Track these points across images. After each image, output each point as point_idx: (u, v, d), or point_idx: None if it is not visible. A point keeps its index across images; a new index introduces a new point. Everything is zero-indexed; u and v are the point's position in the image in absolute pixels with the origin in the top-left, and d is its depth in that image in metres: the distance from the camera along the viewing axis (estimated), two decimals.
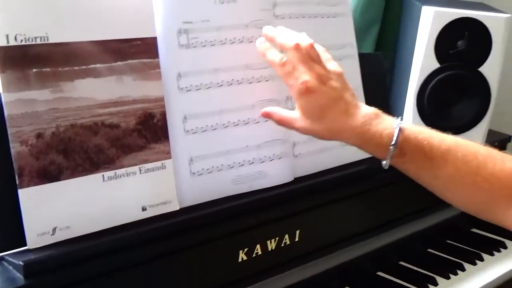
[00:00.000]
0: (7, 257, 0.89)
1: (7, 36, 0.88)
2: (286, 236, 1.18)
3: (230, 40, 1.12)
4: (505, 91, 1.65)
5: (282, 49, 1.07)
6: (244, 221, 1.11)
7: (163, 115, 1.03)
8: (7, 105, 0.88)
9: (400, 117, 1.04)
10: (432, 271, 1.40)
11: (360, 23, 1.68)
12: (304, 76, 1.02)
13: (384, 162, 1.03)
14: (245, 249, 1.12)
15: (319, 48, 1.08)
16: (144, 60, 1.01)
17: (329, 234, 1.28)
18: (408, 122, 1.04)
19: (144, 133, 1.01)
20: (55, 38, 0.92)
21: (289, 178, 1.19)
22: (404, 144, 1.01)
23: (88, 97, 0.95)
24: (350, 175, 1.27)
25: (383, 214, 1.41)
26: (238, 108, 1.13)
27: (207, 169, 1.09)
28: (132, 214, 1.00)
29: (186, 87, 1.07)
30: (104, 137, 0.97)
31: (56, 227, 0.92)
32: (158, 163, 1.03)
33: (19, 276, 0.86)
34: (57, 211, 0.92)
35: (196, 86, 1.09)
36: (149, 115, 1.02)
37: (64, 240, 0.93)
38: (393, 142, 1.01)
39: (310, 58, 1.04)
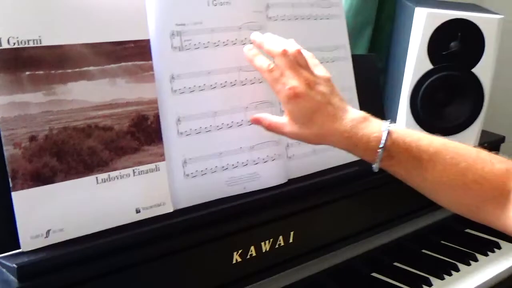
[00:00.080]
0: (0, 260, 0.89)
1: None
2: (280, 237, 1.18)
3: (223, 42, 1.12)
4: (498, 91, 1.65)
5: (270, 55, 1.08)
6: (238, 222, 1.11)
7: (157, 117, 1.03)
8: (0, 108, 0.88)
9: (389, 120, 1.05)
10: (426, 271, 1.41)
11: (353, 24, 1.69)
12: (292, 81, 1.03)
13: (374, 165, 1.04)
14: (239, 251, 1.12)
15: (307, 54, 1.09)
16: (138, 63, 1.01)
17: (323, 235, 1.28)
18: (397, 125, 1.04)
19: (138, 135, 1.01)
20: (48, 41, 0.92)
21: (283, 180, 1.20)
22: (392, 147, 1.02)
23: (81, 99, 0.95)
24: (344, 177, 1.28)
25: (377, 215, 1.41)
26: (231, 110, 1.13)
27: (201, 171, 1.10)
28: (126, 216, 1.00)
29: (179, 89, 1.08)
30: (98, 140, 0.97)
31: (50, 229, 0.92)
32: (152, 165, 1.03)
33: (12, 279, 0.86)
34: (50, 213, 0.92)
35: (190, 88, 1.09)
36: (143, 117, 1.02)
37: (58, 243, 0.93)
38: (381, 145, 1.01)
39: (298, 64, 1.05)
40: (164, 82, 1.06)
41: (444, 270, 1.42)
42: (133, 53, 1.01)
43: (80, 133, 0.95)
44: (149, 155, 1.02)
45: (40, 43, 0.91)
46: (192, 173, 1.09)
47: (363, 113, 1.06)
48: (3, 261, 0.88)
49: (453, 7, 1.55)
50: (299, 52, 1.06)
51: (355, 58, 1.38)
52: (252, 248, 1.14)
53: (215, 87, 1.11)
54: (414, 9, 1.48)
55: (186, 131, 1.08)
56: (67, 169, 0.94)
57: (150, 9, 1.04)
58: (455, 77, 1.50)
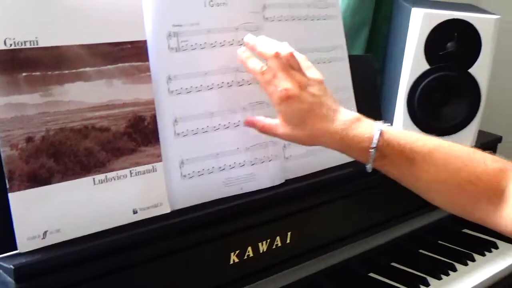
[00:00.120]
0: None
1: None
2: (278, 238, 1.18)
3: (220, 43, 1.12)
4: (495, 92, 1.66)
5: (263, 58, 1.09)
6: (235, 223, 1.11)
7: (154, 118, 1.03)
8: None
9: (382, 121, 1.05)
10: (423, 272, 1.41)
11: (350, 25, 1.69)
12: (284, 83, 1.05)
13: (367, 166, 1.04)
14: (237, 251, 1.12)
15: (299, 56, 1.10)
16: (134, 64, 1.01)
17: (320, 235, 1.29)
18: (390, 125, 1.05)
19: (135, 136, 1.01)
20: (44, 42, 0.92)
21: (280, 180, 1.20)
22: (385, 147, 1.02)
23: (78, 100, 0.95)
24: (341, 177, 1.28)
25: (375, 216, 1.41)
26: (228, 110, 1.13)
27: (198, 171, 1.10)
28: (123, 217, 1.00)
29: (176, 90, 1.08)
30: (95, 141, 0.97)
31: (47, 230, 0.92)
32: (149, 166, 1.03)
33: (9, 280, 0.86)
34: (47, 214, 0.92)
35: (187, 89, 1.09)
36: (140, 118, 1.02)
37: (55, 244, 0.93)
38: (373, 145, 1.02)
39: (290, 66, 1.07)
40: (161, 83, 1.06)
41: (442, 270, 1.42)
42: (130, 54, 1.01)
43: (77, 134, 0.95)
44: (146, 156, 1.02)
45: (37, 44, 0.91)
46: (189, 174, 1.09)
47: (355, 114, 1.07)
48: (0, 263, 0.88)
49: (449, 7, 1.55)
50: (291, 55, 1.07)
51: (352, 59, 1.38)
52: (250, 248, 1.14)
53: (212, 88, 1.11)
54: (410, 9, 1.49)
55: (183, 132, 1.08)
56: (64, 170, 0.94)
57: (146, 10, 1.04)
58: (452, 77, 1.50)
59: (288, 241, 1.20)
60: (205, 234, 1.07)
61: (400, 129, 1.06)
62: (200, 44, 1.10)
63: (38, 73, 0.91)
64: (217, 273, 1.11)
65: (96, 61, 0.97)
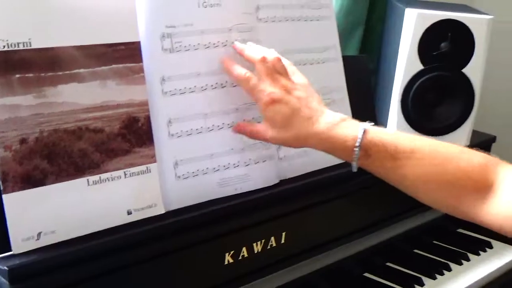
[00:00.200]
0: None
1: None
2: (272, 238, 1.19)
3: (214, 44, 1.12)
4: (488, 91, 1.66)
5: (250, 62, 1.11)
6: (229, 223, 1.11)
7: (148, 119, 1.03)
8: None
9: (367, 121, 1.07)
10: (418, 271, 1.42)
11: (344, 25, 1.69)
12: (269, 88, 1.07)
13: (352, 164, 1.06)
14: (231, 252, 1.12)
15: (285, 62, 1.12)
16: (128, 65, 1.01)
17: (315, 236, 1.29)
18: (374, 125, 1.06)
19: (129, 137, 1.01)
20: (38, 43, 0.92)
21: (274, 181, 1.20)
22: (369, 146, 1.04)
23: (72, 102, 0.95)
24: (335, 177, 1.28)
25: (369, 216, 1.42)
26: (222, 111, 1.14)
27: (192, 172, 1.10)
28: (117, 218, 1.00)
29: (170, 91, 1.08)
30: (89, 142, 0.97)
31: (41, 232, 0.92)
32: (143, 167, 1.03)
33: (4, 281, 0.86)
34: (42, 216, 0.92)
35: (180, 90, 1.09)
36: (134, 119, 1.02)
37: (49, 245, 0.93)
38: (357, 144, 1.03)
39: (276, 71, 1.09)
40: (155, 84, 1.06)
41: (436, 269, 1.43)
42: (124, 55, 1.01)
43: (70, 135, 0.95)
44: (140, 157, 1.03)
45: (30, 46, 0.91)
46: (183, 175, 1.09)
47: (341, 115, 1.08)
48: None
49: (443, 7, 1.56)
50: (278, 60, 1.10)
51: (346, 59, 1.39)
52: (244, 249, 1.14)
53: (205, 89, 1.12)
54: (404, 10, 1.49)
55: (177, 133, 1.08)
56: (58, 171, 0.94)
57: (140, 11, 1.04)
58: (445, 77, 1.50)
59: (282, 241, 1.20)
60: (199, 234, 1.07)
61: (388, 129, 1.07)
62: (194, 45, 1.10)
63: (31, 75, 0.91)
64: (211, 274, 1.11)
65: (90, 62, 0.97)
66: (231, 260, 1.12)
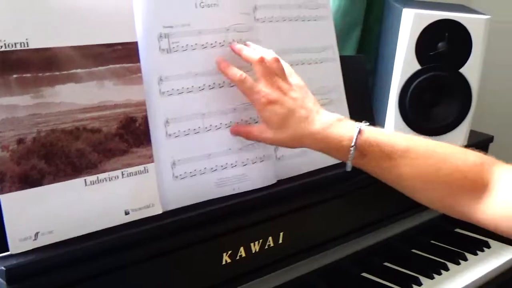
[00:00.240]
0: None
1: None
2: (270, 238, 1.19)
3: (211, 44, 1.12)
4: (486, 91, 1.66)
5: (248, 62, 1.11)
6: (227, 223, 1.11)
7: (145, 119, 1.03)
8: None
9: (364, 121, 1.07)
10: (416, 271, 1.42)
11: (341, 26, 1.69)
12: (266, 89, 1.08)
13: (347, 164, 1.07)
14: (229, 252, 1.12)
15: (283, 63, 1.12)
16: (125, 65, 1.01)
17: (313, 236, 1.29)
18: (370, 125, 1.06)
19: (126, 137, 1.01)
20: (35, 43, 0.92)
21: (272, 181, 1.20)
22: (364, 146, 1.05)
23: (69, 102, 0.95)
24: (333, 177, 1.28)
25: (367, 215, 1.42)
26: (220, 111, 1.14)
27: (190, 172, 1.10)
28: (115, 218, 1.00)
29: (167, 91, 1.08)
30: (86, 142, 0.97)
31: (39, 232, 0.92)
32: (141, 167, 1.03)
33: (1, 281, 0.86)
34: (39, 216, 0.92)
35: (178, 90, 1.09)
36: (131, 120, 1.02)
37: (47, 245, 0.92)
38: (352, 144, 1.04)
39: (273, 72, 1.09)
40: (152, 84, 1.06)
41: (434, 269, 1.43)
42: (121, 56, 1.01)
43: (68, 135, 0.95)
44: (138, 157, 1.03)
45: (27, 46, 0.91)
46: (181, 175, 1.09)
47: (336, 115, 1.09)
48: None
49: (440, 7, 1.56)
50: (276, 60, 1.10)
51: (344, 59, 1.39)
52: (242, 249, 1.14)
53: (203, 89, 1.12)
54: (401, 10, 1.49)
55: (174, 133, 1.08)
56: (56, 171, 0.94)
57: (137, 11, 1.05)
58: (443, 77, 1.50)
59: (280, 241, 1.21)
60: (197, 234, 1.07)
61: (384, 129, 1.08)
62: (191, 45, 1.10)
63: (29, 75, 0.91)
64: (209, 274, 1.11)
65: (87, 62, 0.97)
66: (228, 260, 1.12)
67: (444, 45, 1.48)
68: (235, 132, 1.14)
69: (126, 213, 1.01)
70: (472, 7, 1.68)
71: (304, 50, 1.29)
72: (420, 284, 1.37)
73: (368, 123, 1.07)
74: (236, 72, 1.10)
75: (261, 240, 1.17)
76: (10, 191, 0.89)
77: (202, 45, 1.11)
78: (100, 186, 0.98)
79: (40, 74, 0.93)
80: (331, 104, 1.31)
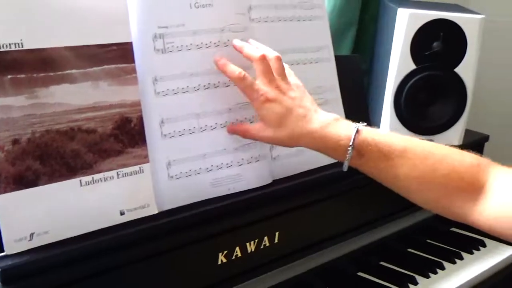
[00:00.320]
0: None
1: None
2: (266, 238, 1.19)
3: (206, 44, 1.12)
4: (481, 91, 1.67)
5: (249, 60, 1.11)
6: (222, 223, 1.11)
7: (140, 119, 1.03)
8: None
9: (361, 122, 1.08)
10: (412, 270, 1.42)
11: (336, 25, 1.69)
12: (264, 87, 1.08)
13: (343, 164, 1.07)
14: (225, 252, 1.12)
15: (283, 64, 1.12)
16: (120, 65, 1.01)
17: (308, 235, 1.29)
18: (367, 126, 1.07)
19: (121, 138, 1.01)
20: (29, 44, 0.92)
21: (267, 181, 1.20)
22: (361, 146, 1.05)
23: (64, 102, 0.95)
24: (328, 177, 1.28)
25: (363, 215, 1.42)
26: (215, 111, 1.14)
27: (185, 172, 1.10)
28: (110, 218, 1.00)
29: (162, 91, 1.08)
30: (81, 142, 0.97)
31: (34, 232, 0.92)
32: (136, 167, 1.03)
33: None
34: (34, 216, 0.92)
35: (173, 90, 1.09)
36: (126, 120, 1.02)
37: (42, 245, 0.93)
38: (350, 143, 1.04)
39: (274, 70, 1.09)
40: (147, 84, 1.06)
41: (430, 268, 1.43)
42: (116, 56, 1.01)
43: (63, 136, 0.95)
44: (133, 157, 1.03)
45: (22, 47, 0.91)
46: (176, 175, 1.09)
47: (334, 115, 1.09)
48: None
49: (435, 7, 1.56)
50: (278, 59, 1.10)
51: (339, 59, 1.39)
52: (237, 249, 1.14)
53: (198, 89, 1.12)
54: (396, 10, 1.49)
55: (170, 133, 1.08)
56: (51, 172, 0.94)
57: (132, 12, 1.04)
58: (438, 77, 1.51)
59: (276, 241, 1.21)
60: (192, 234, 1.07)
61: (381, 129, 1.08)
62: (186, 46, 1.10)
63: (23, 76, 0.91)
64: (205, 274, 1.11)
65: (82, 63, 0.97)
66: (224, 260, 1.13)
67: (439, 45, 1.48)
68: (232, 131, 1.14)
69: (122, 213, 1.01)
70: (468, 6, 1.69)
71: (299, 50, 1.29)
72: (416, 283, 1.37)
73: (365, 124, 1.07)
74: (235, 70, 1.09)
75: (256, 240, 1.17)
76: (5, 191, 0.89)
77: (197, 45, 1.11)
78: (96, 187, 0.98)
79: (35, 75, 0.93)
80: (326, 104, 1.31)
